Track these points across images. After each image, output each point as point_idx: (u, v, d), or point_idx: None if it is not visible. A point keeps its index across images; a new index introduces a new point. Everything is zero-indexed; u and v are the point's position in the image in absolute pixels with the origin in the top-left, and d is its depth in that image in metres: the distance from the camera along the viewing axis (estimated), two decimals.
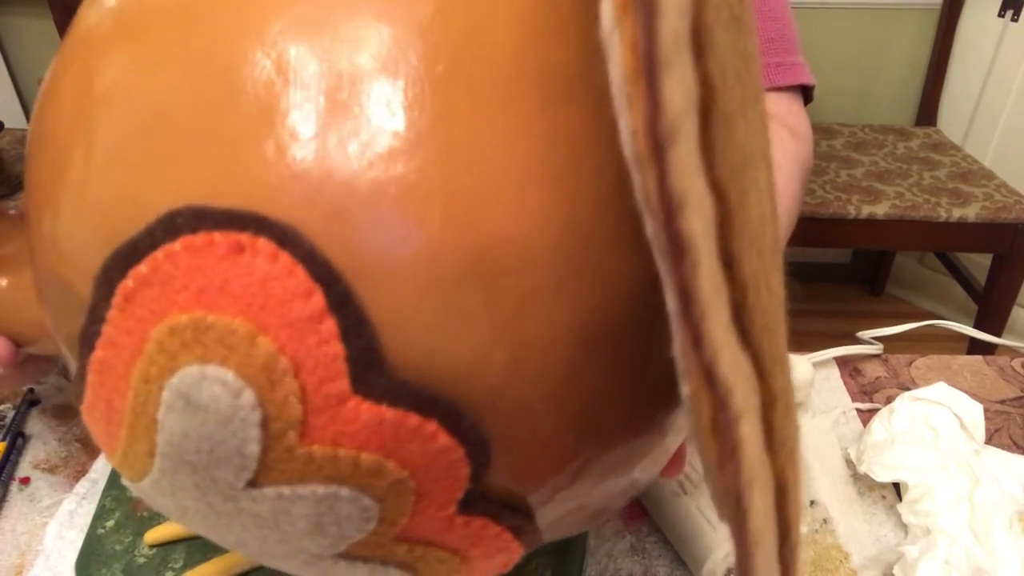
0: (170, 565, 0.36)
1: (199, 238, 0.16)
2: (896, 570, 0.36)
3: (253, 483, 0.18)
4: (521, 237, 0.17)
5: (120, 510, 0.39)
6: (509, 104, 0.17)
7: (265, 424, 0.17)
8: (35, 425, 0.46)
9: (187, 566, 0.36)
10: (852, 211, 1.24)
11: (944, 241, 1.28)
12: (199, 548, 0.37)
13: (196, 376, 0.17)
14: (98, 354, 0.18)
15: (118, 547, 0.37)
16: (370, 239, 0.16)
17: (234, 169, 0.16)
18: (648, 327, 0.19)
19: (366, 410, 0.17)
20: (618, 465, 0.21)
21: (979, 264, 1.44)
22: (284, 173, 0.16)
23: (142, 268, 0.17)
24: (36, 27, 1.63)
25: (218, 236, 0.16)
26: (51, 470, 0.43)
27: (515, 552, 0.21)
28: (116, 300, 0.17)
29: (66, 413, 0.47)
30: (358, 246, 0.16)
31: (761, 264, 0.15)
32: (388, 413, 0.17)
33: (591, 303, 0.18)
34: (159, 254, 0.17)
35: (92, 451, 0.44)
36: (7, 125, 1.48)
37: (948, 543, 0.36)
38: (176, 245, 0.16)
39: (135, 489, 0.21)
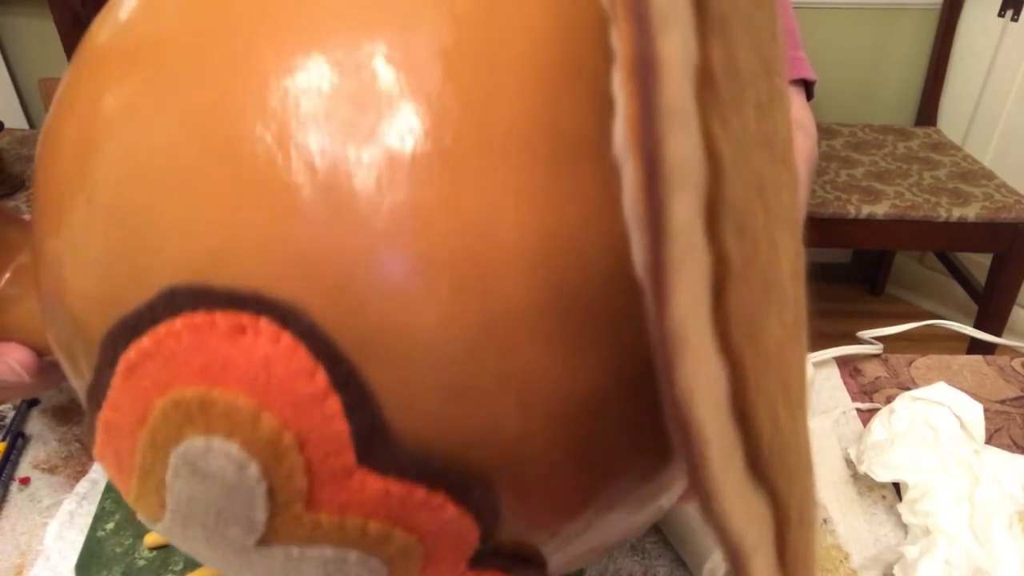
0: (170, 568, 0.36)
1: (199, 317, 0.16)
2: (896, 570, 0.36)
3: (263, 542, 0.18)
4: (532, 305, 0.16)
5: (120, 512, 0.39)
6: (519, 170, 0.16)
7: (271, 494, 0.17)
8: (35, 425, 0.46)
9: (187, 568, 0.36)
10: (852, 211, 1.24)
11: (944, 241, 1.28)
12: None
13: (202, 448, 0.17)
14: (105, 413, 0.18)
15: (118, 549, 0.37)
16: (376, 314, 0.16)
17: (235, 243, 0.16)
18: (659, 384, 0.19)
19: (372, 482, 0.16)
20: (633, 508, 0.21)
21: (979, 264, 1.44)
22: (286, 249, 0.16)
23: (144, 342, 0.17)
24: (36, 27, 1.63)
25: (219, 316, 0.16)
26: (51, 470, 0.43)
27: None
28: (120, 368, 0.17)
29: (66, 413, 0.47)
30: (363, 321, 0.16)
31: (780, 380, 0.15)
32: (395, 486, 0.17)
33: (603, 368, 0.17)
34: (161, 329, 0.16)
35: None
36: (7, 125, 1.48)
37: (948, 543, 0.36)
38: (177, 323, 0.16)
39: (151, 527, 0.21)
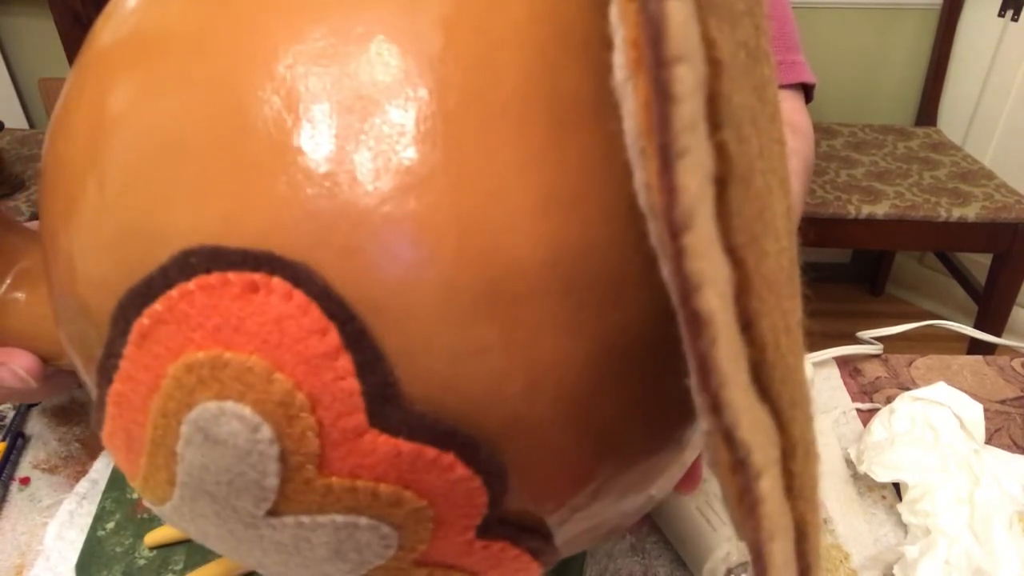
0: (170, 567, 0.36)
1: (213, 278, 0.16)
2: (896, 570, 0.36)
3: (273, 512, 0.18)
4: (535, 266, 0.17)
5: (120, 512, 0.39)
6: (520, 133, 0.17)
7: (283, 458, 0.17)
8: (35, 425, 0.46)
9: (187, 568, 0.36)
10: (852, 211, 1.24)
11: (944, 241, 1.28)
12: (199, 550, 0.37)
13: (214, 412, 0.17)
14: (116, 387, 0.19)
15: (118, 549, 0.37)
16: (384, 274, 0.16)
17: (246, 206, 0.16)
18: (663, 348, 0.19)
19: (383, 443, 0.17)
20: (636, 483, 0.21)
21: (979, 264, 1.44)
22: (297, 211, 0.16)
23: (157, 307, 0.17)
24: (36, 27, 1.63)
25: (232, 276, 0.16)
26: (51, 470, 0.43)
27: (534, 573, 0.21)
28: (132, 337, 0.18)
29: (66, 413, 0.47)
30: (372, 282, 0.16)
31: (780, 310, 0.15)
32: (405, 446, 0.17)
33: (607, 329, 0.18)
34: (174, 293, 0.17)
35: (92, 451, 0.44)
36: (7, 125, 1.48)
37: (948, 543, 0.36)
38: (191, 284, 0.16)
39: (157, 511, 0.21)
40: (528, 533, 0.20)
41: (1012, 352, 0.54)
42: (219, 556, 0.36)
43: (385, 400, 0.16)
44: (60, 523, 0.39)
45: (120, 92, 0.19)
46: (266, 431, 0.16)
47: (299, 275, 0.16)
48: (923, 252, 1.74)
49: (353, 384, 0.16)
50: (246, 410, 0.16)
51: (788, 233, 0.17)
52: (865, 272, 1.83)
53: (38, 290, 0.27)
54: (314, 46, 0.17)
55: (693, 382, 0.12)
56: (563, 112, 0.17)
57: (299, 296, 0.16)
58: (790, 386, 0.15)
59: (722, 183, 0.12)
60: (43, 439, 0.45)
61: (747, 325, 0.13)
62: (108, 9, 0.21)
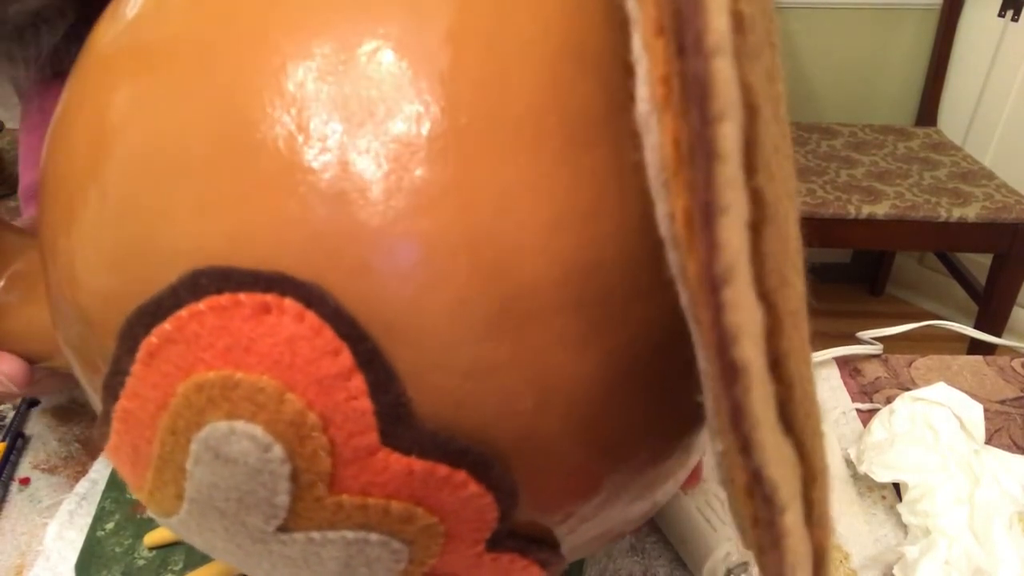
0: (170, 567, 0.36)
1: (224, 299, 0.16)
2: (896, 570, 0.36)
3: (283, 528, 0.18)
4: (546, 284, 0.16)
5: (120, 512, 0.39)
6: (531, 151, 0.16)
7: (295, 477, 0.17)
8: (35, 425, 0.46)
9: (186, 568, 0.36)
10: (852, 211, 1.24)
11: (944, 241, 1.28)
12: (198, 551, 0.37)
13: (225, 431, 0.17)
14: (123, 403, 0.18)
15: (118, 549, 0.37)
16: (396, 294, 0.16)
17: (256, 226, 0.16)
18: (672, 359, 0.19)
19: (395, 461, 0.17)
20: (643, 491, 0.21)
21: (979, 264, 1.44)
22: (307, 231, 0.16)
23: (166, 326, 0.17)
24: None
25: (244, 297, 0.16)
26: (51, 470, 0.43)
27: None
28: (140, 355, 0.17)
29: (66, 413, 0.47)
30: (384, 301, 0.16)
31: (802, 343, 0.15)
32: (417, 464, 0.17)
33: (616, 344, 0.18)
34: (184, 313, 0.17)
35: (92, 451, 0.44)
36: (7, 125, 1.48)
37: (948, 543, 0.36)
38: (201, 305, 0.16)
39: (163, 523, 0.21)
40: (536, 544, 0.20)
41: (1012, 352, 0.54)
42: None
43: (397, 419, 0.16)
44: (60, 523, 0.39)
45: (122, 101, 0.18)
46: (278, 451, 0.16)
47: (311, 296, 0.16)
48: (923, 252, 1.74)
49: (366, 404, 0.16)
50: (257, 430, 0.16)
51: (799, 252, 0.17)
52: (865, 272, 1.83)
53: (32, 293, 0.27)
54: (323, 62, 0.16)
55: (720, 423, 0.12)
56: (574, 129, 0.17)
57: (311, 317, 0.16)
58: (812, 418, 0.15)
59: (756, 228, 0.12)
60: (43, 439, 0.45)
61: (776, 364, 0.13)
62: (109, 12, 0.21)
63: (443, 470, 0.17)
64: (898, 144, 1.45)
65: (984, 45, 1.51)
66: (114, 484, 0.40)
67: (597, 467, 0.19)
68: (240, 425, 0.16)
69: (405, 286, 0.16)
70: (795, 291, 0.14)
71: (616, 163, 0.17)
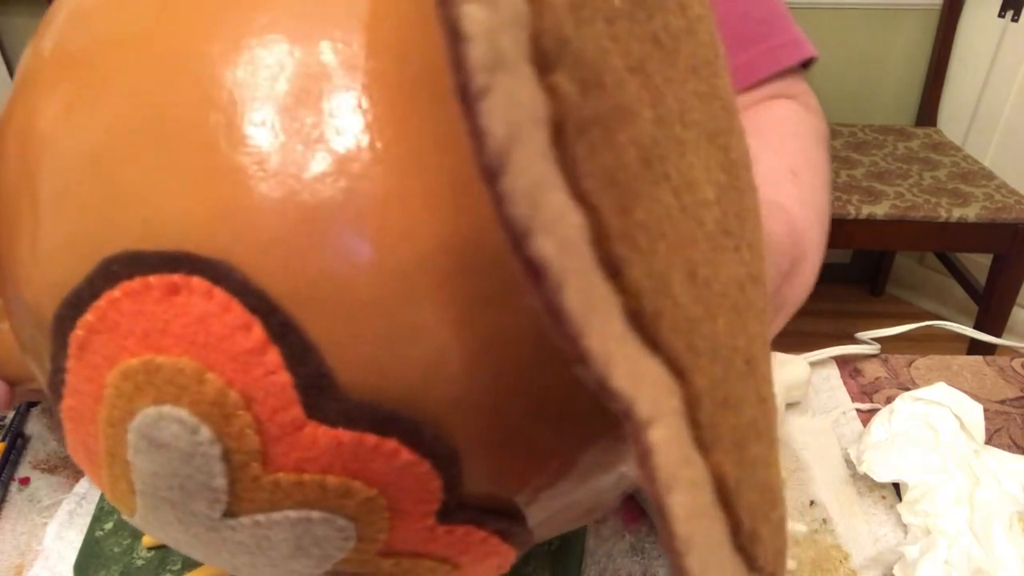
0: (168, 567, 0.36)
1: (136, 283, 0.16)
2: (896, 570, 0.36)
3: (228, 513, 0.18)
4: (459, 242, 0.16)
5: (118, 512, 0.39)
6: (432, 110, 0.16)
7: (226, 457, 0.17)
8: (35, 425, 0.46)
9: (185, 568, 0.36)
10: (852, 211, 1.24)
11: (944, 241, 1.28)
12: None
13: (154, 417, 0.17)
14: (67, 401, 0.19)
15: (116, 549, 0.37)
16: (305, 265, 0.16)
17: (165, 209, 0.16)
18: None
19: (323, 434, 0.17)
20: (601, 458, 0.21)
21: (979, 264, 1.44)
22: (212, 208, 0.16)
23: (89, 317, 0.17)
24: (36, 27, 1.63)
25: (153, 279, 0.16)
26: (51, 470, 0.43)
27: (507, 555, 0.21)
28: (71, 349, 0.18)
29: None
30: (294, 273, 0.16)
31: (682, 258, 0.14)
32: (345, 435, 0.17)
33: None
34: (102, 302, 0.17)
35: None
36: None
37: (948, 543, 0.36)
38: (116, 292, 0.17)
39: (132, 522, 0.21)
40: (493, 515, 0.20)
41: (1012, 352, 0.54)
42: None
43: (320, 391, 0.16)
44: (59, 523, 0.39)
45: (46, 110, 0.19)
46: (205, 432, 0.16)
47: (218, 272, 0.16)
48: (923, 252, 1.74)
49: (285, 377, 0.16)
50: (183, 412, 0.16)
51: (719, 185, 0.17)
52: (865, 272, 1.83)
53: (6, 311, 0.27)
54: (221, 45, 0.17)
55: (553, 334, 0.12)
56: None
57: (219, 293, 0.16)
58: (689, 335, 0.14)
59: (559, 127, 0.11)
60: (43, 439, 0.45)
61: (615, 272, 0.12)
62: (40, 27, 0.21)
63: (372, 439, 0.17)
64: (898, 144, 1.45)
65: (984, 45, 1.51)
66: None
67: (542, 431, 0.19)
68: (167, 409, 0.17)
69: (313, 256, 0.16)
70: (661, 206, 0.14)
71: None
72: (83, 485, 0.41)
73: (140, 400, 0.17)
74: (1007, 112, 1.51)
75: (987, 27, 1.50)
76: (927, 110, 1.58)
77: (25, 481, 0.42)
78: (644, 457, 0.13)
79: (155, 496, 0.18)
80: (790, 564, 0.37)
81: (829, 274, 1.83)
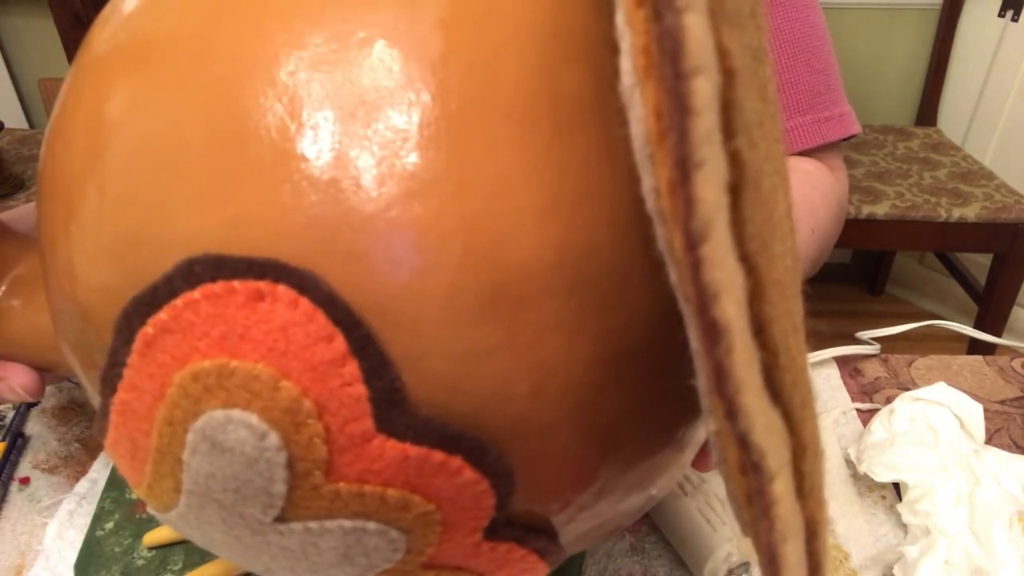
0: (169, 567, 0.36)
1: (219, 286, 0.16)
2: (896, 570, 0.36)
3: (280, 519, 0.18)
4: (540, 268, 0.17)
5: (119, 512, 0.39)
6: (523, 135, 0.17)
7: (291, 465, 0.17)
8: (35, 425, 0.46)
9: (186, 568, 0.36)
10: (852, 211, 1.24)
11: (944, 241, 1.28)
12: (198, 550, 0.37)
13: (221, 420, 0.17)
14: (121, 395, 0.19)
15: (117, 549, 0.37)
16: (389, 280, 0.16)
17: (249, 213, 0.16)
18: (667, 346, 0.19)
19: (391, 448, 0.17)
20: (639, 482, 0.21)
21: (979, 264, 1.44)
22: (300, 218, 0.16)
23: (162, 315, 0.17)
24: (36, 27, 1.63)
25: (238, 284, 0.16)
26: (51, 470, 0.43)
27: (540, 572, 0.21)
28: (136, 346, 0.18)
29: (66, 413, 0.47)
30: (378, 287, 0.16)
31: (788, 311, 0.15)
32: (412, 451, 0.17)
33: (610, 329, 0.18)
34: (179, 302, 0.17)
35: (92, 451, 0.44)
36: (7, 125, 1.48)
37: (948, 543, 0.36)
38: (196, 293, 0.16)
39: (162, 519, 0.21)
40: (535, 533, 0.20)
41: (1012, 352, 0.54)
42: (217, 558, 0.36)
43: (392, 405, 0.16)
44: (60, 523, 0.39)
45: (119, 97, 0.18)
46: (273, 438, 0.16)
47: (304, 282, 0.16)
48: (923, 252, 1.74)
49: (360, 390, 0.16)
50: (253, 418, 0.16)
51: (791, 232, 0.17)
52: (865, 272, 1.83)
53: (34, 298, 0.27)
54: (315, 51, 0.17)
55: (704, 386, 0.12)
56: (565, 113, 0.17)
57: (305, 303, 0.16)
58: (800, 388, 0.15)
59: (736, 191, 0.12)
60: (43, 439, 0.45)
61: (759, 330, 0.13)
62: (105, 13, 0.21)
63: (438, 456, 0.17)
64: (898, 144, 1.45)
65: (984, 45, 1.51)
66: (113, 484, 0.40)
67: (592, 455, 0.19)
68: (236, 413, 0.16)
69: (398, 272, 0.16)
70: (781, 263, 0.14)
71: (608, 148, 0.17)
72: (83, 485, 0.41)
73: (208, 402, 0.17)
74: (1007, 112, 1.51)
75: (987, 27, 1.50)
76: (927, 110, 1.58)
77: (25, 481, 0.42)
78: (768, 508, 0.13)
79: (204, 496, 0.18)
80: None
81: (829, 274, 1.83)
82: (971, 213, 1.22)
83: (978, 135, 1.56)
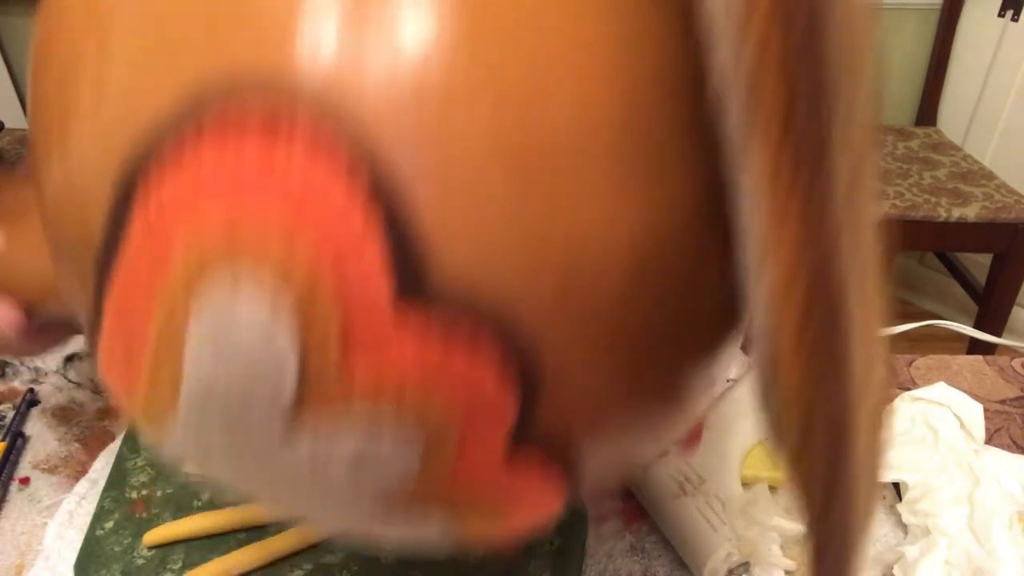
0: (169, 566, 0.36)
1: (230, 123, 0.15)
2: (896, 570, 0.36)
3: (291, 419, 0.17)
4: (577, 134, 0.16)
5: (119, 511, 0.39)
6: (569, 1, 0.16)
7: (303, 336, 0.16)
8: (35, 425, 0.46)
9: (185, 567, 0.36)
10: None
11: (944, 241, 1.28)
12: (198, 549, 0.37)
13: (228, 283, 0.15)
14: (117, 281, 0.17)
15: (117, 548, 0.37)
16: (416, 138, 0.15)
17: (264, 57, 0.15)
18: (703, 247, 0.18)
19: (411, 331, 0.16)
20: (660, 417, 0.21)
21: (979, 264, 1.44)
22: (321, 71, 0.15)
23: (167, 166, 0.16)
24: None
25: (251, 136, 0.15)
26: (51, 470, 0.43)
27: (554, 508, 0.21)
28: (138, 203, 0.16)
29: (66, 413, 0.47)
30: (406, 132, 0.15)
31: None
32: (434, 334, 0.16)
33: (647, 212, 0.17)
34: (185, 149, 0.15)
35: (92, 451, 0.44)
36: (7, 125, 1.48)
37: (948, 543, 0.36)
38: (204, 138, 0.15)
39: (156, 441, 0.20)
40: (557, 454, 0.19)
41: (1012, 352, 0.54)
42: (217, 556, 0.36)
43: (416, 282, 0.15)
44: (60, 523, 0.39)
45: None
46: (285, 298, 0.15)
47: (322, 122, 0.15)
48: (923, 252, 1.74)
49: (380, 245, 0.15)
50: (265, 274, 0.15)
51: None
52: None
53: (18, 227, 0.26)
54: None
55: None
56: None
57: (325, 137, 0.15)
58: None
59: None
60: (43, 439, 0.45)
61: None
62: None
63: (460, 346, 0.16)
64: (898, 144, 1.45)
65: (984, 45, 1.51)
66: (113, 483, 0.40)
67: (621, 371, 0.18)
68: (244, 280, 0.15)
69: (425, 130, 0.15)
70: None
71: (659, 24, 0.17)
72: (83, 485, 0.41)
73: (213, 266, 0.16)
74: (1007, 112, 1.51)
75: (987, 27, 1.50)
76: (927, 110, 1.58)
77: (25, 481, 0.42)
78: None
79: (207, 399, 0.17)
80: (790, 564, 0.37)
81: None
82: (971, 213, 1.22)
83: (978, 135, 1.56)
